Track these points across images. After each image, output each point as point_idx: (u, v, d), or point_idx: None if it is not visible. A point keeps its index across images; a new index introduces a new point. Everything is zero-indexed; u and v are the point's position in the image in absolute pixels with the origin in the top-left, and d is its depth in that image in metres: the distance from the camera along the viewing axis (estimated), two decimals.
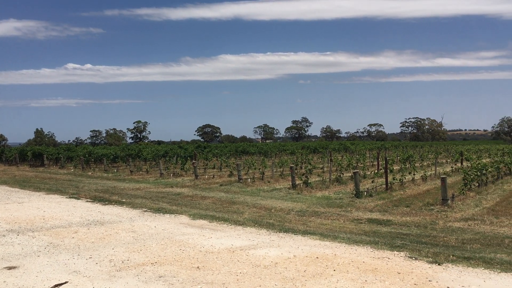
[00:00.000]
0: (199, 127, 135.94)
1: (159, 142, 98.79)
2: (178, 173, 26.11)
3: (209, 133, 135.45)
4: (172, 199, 16.06)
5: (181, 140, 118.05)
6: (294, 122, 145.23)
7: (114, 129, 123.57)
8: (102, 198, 16.36)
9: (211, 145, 59.05)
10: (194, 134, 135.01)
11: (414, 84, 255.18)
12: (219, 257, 7.46)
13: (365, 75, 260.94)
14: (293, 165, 20.64)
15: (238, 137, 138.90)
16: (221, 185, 20.40)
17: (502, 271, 6.43)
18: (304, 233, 9.53)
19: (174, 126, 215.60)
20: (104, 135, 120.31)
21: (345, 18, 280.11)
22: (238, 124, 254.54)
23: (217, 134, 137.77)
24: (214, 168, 30.68)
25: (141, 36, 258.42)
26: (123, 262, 7.33)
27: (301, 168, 28.11)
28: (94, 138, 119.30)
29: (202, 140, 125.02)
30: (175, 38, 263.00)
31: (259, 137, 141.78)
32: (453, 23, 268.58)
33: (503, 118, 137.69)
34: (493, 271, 6.45)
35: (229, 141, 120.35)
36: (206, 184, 21.06)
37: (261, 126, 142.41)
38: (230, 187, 19.44)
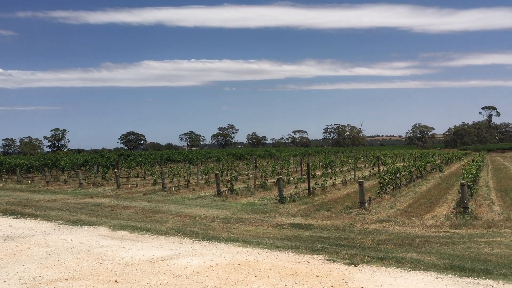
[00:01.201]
0: (123, 134, 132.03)
1: (80, 151, 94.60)
2: (99, 183, 25.07)
3: (133, 140, 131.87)
4: (91, 210, 15.38)
5: (103, 148, 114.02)
6: (220, 129, 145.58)
7: (29, 137, 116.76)
8: (13, 211, 15.30)
9: (135, 153, 57.50)
10: (118, 142, 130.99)
11: (335, 92, 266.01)
12: (139, 269, 7.25)
13: (288, 83, 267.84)
14: (218, 172, 20.61)
15: (164, 144, 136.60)
16: (144, 194, 19.89)
17: (412, 270, 6.83)
18: (228, 240, 9.53)
19: (96, 134, 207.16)
20: (18, 144, 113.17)
21: (268, 27, 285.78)
22: (164, 132, 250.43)
23: (142, 142, 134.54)
24: (137, 176, 29.86)
25: (57, 40, 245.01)
26: (34, 279, 6.88)
27: (226, 175, 28.13)
28: (7, 147, 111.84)
29: (126, 148, 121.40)
30: (95, 42, 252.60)
31: (185, 144, 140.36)
32: (369, 35, 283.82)
33: (415, 125, 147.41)
34: (404, 269, 6.84)
35: (154, 148, 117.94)
36: (129, 193, 20.43)
37: (187, 133, 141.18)
38: (154, 196, 19.01)
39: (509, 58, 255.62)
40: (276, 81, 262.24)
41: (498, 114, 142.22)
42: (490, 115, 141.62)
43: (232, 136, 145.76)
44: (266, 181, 21.85)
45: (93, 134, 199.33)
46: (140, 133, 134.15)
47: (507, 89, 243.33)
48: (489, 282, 6.13)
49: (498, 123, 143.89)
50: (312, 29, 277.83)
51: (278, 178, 17.19)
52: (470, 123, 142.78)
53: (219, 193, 18.53)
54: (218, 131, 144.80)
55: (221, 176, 24.25)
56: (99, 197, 19.30)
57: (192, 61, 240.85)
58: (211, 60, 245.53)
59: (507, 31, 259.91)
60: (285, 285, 6.06)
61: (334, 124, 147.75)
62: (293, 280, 6.26)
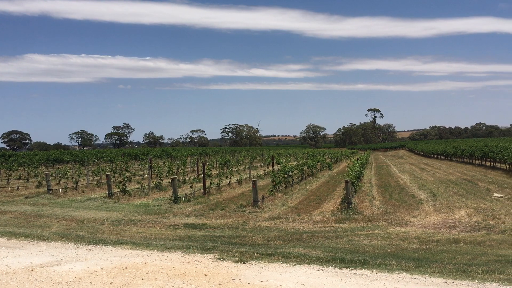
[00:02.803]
0: (4, 133, 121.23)
1: None
2: None
3: (16, 140, 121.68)
4: None
5: None
6: (115, 128, 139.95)
7: None
8: None
9: (17, 154, 53.04)
10: None
11: (232, 92, 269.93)
12: (14, 278, 6.67)
13: (186, 82, 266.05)
14: (109, 173, 19.77)
15: (52, 144, 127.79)
16: (27, 197, 18.42)
17: (297, 264, 7.13)
18: (116, 243, 9.16)
19: None
20: None
21: (164, 24, 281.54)
22: (52, 130, 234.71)
23: (27, 141, 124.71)
24: (20, 179, 27.60)
25: None
26: None
27: (120, 176, 27.11)
28: None
29: (8, 148, 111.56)
30: None
31: (76, 144, 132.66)
32: (264, 37, 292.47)
33: (309, 125, 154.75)
34: (290, 264, 7.10)
35: (41, 148, 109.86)
36: (9, 197, 18.79)
37: (78, 132, 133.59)
38: (38, 199, 17.69)
39: (390, 64, 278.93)
40: (173, 79, 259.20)
41: (382, 115, 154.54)
42: (375, 117, 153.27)
43: (127, 135, 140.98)
44: (161, 182, 21.44)
45: None
46: (24, 132, 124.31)
47: (389, 92, 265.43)
48: (365, 271, 6.60)
49: (382, 124, 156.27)
50: (209, 29, 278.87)
51: (172, 178, 16.95)
52: (358, 124, 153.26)
53: (110, 195, 17.78)
54: (113, 130, 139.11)
55: (114, 177, 23.33)
56: None
57: (83, 56, 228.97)
58: (103, 56, 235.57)
59: (388, 39, 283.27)
60: (172, 286, 5.97)
61: (232, 124, 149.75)
62: (181, 281, 6.19)
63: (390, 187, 21.18)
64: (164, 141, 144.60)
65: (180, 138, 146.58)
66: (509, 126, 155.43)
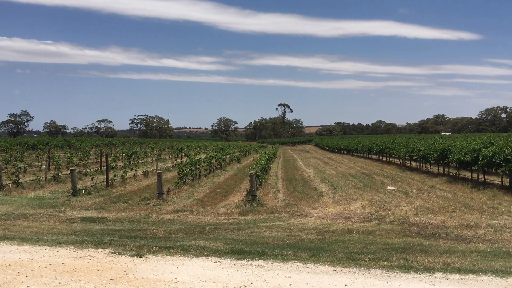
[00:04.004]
0: None
1: None
2: None
3: None
4: None
5: None
6: (11, 115, 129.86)
7: None
8: None
9: None
10: None
11: (142, 82, 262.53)
12: None
13: (92, 69, 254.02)
14: (1, 163, 18.24)
15: None
16: None
17: (195, 256, 7.07)
18: (2, 239, 8.46)
19: None
20: None
21: (67, 6, 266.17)
22: None
23: None
24: None
25: None
26: None
27: (13, 166, 25.16)
28: None
29: None
30: None
31: None
32: (176, 27, 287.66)
33: (220, 118, 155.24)
34: (188, 257, 7.02)
35: None
36: None
37: None
38: None
39: (300, 61, 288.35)
40: (78, 66, 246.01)
41: (291, 111, 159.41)
42: (284, 112, 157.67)
43: (26, 123, 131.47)
44: (59, 173, 20.24)
45: None
46: None
47: (299, 88, 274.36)
48: (261, 262, 6.72)
49: (291, 119, 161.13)
50: (117, 14, 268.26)
51: (71, 170, 16.05)
52: (268, 118, 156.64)
53: (1, 187, 16.42)
54: (9, 118, 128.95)
55: (6, 167, 21.64)
56: None
57: None
58: None
59: (298, 37, 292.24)
60: (59, 283, 5.62)
61: (142, 115, 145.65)
62: (69, 277, 5.85)
63: (295, 180, 21.87)
64: (68, 131, 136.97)
65: (86, 128, 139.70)
66: (405, 124, 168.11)
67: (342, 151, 58.66)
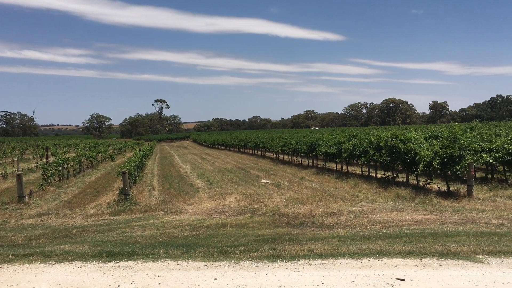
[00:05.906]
0: None
1: None
2: None
3: None
4: None
5: None
6: None
7: None
8: None
9: None
10: None
11: (1, 75, 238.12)
12: None
13: None
14: None
15: None
16: None
17: (58, 262, 6.57)
18: None
19: None
20: None
21: None
22: None
23: None
24: None
25: None
26: None
27: None
28: None
29: None
30: None
31: None
32: (39, 16, 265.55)
33: (92, 115, 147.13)
34: (49, 263, 6.50)
35: None
36: None
37: None
38: None
39: (175, 56, 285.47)
40: None
41: (168, 107, 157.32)
42: (161, 108, 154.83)
43: None
44: None
45: None
46: None
47: (175, 84, 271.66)
48: (130, 263, 6.48)
49: (168, 115, 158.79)
50: None
51: None
52: (144, 115, 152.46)
53: None
54: None
55: None
56: None
57: None
58: None
59: (172, 32, 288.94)
60: None
61: (2, 111, 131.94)
62: None
63: (171, 177, 21.58)
64: None
65: None
66: (279, 119, 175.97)
67: (220, 147, 59.40)
